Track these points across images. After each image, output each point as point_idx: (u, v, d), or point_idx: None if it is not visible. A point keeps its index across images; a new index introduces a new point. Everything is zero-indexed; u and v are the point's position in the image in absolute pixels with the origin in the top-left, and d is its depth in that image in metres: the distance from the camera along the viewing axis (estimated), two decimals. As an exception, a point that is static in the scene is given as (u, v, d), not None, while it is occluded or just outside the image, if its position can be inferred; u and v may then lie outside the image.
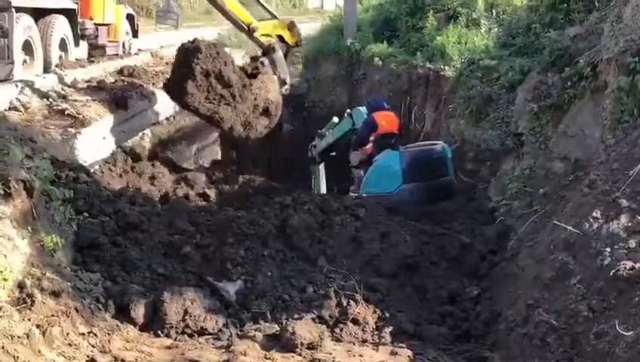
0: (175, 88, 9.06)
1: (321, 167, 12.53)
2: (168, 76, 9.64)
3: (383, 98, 11.23)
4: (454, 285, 6.51)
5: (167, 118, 10.81)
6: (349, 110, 11.80)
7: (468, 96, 10.02)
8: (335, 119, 11.95)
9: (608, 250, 4.87)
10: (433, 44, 14.11)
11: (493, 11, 14.27)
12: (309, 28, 24.43)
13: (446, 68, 12.68)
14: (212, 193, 9.42)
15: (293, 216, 6.99)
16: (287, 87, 9.97)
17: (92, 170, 7.31)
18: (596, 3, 8.64)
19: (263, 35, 10.43)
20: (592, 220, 5.25)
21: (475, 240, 7.32)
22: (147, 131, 10.02)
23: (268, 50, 10.25)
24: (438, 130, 11.89)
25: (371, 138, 10.09)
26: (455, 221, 8.13)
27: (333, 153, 12.06)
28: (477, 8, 14.58)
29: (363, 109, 10.82)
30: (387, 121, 10.23)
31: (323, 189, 12.33)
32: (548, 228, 6.10)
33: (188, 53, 9.05)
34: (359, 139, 10.36)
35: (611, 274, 4.62)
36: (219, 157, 12.78)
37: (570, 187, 6.79)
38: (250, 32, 10.30)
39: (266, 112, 9.68)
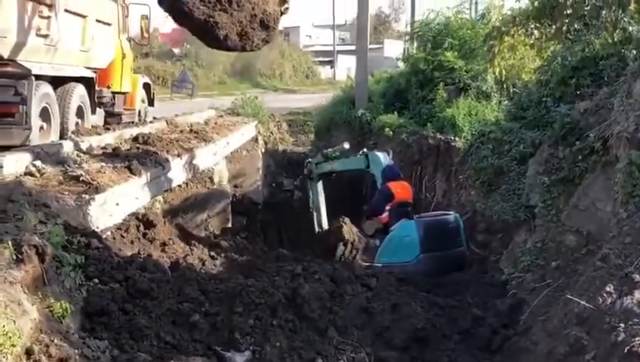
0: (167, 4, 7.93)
1: (320, 184, 12.62)
2: None
3: (397, 167, 11.32)
4: (466, 359, 6.39)
5: (179, 185, 10.89)
6: (365, 149, 11.86)
7: (479, 167, 10.08)
8: (346, 145, 12.08)
9: (622, 325, 4.79)
10: (444, 115, 14.33)
11: (503, 85, 14.49)
12: (321, 98, 24.89)
13: (457, 139, 12.83)
14: (222, 261, 9.41)
15: (303, 286, 6.94)
16: (287, 5, 8.97)
17: (104, 236, 7.32)
18: (606, 78, 8.77)
19: None
20: (605, 295, 5.18)
21: (488, 313, 7.23)
22: (159, 198, 10.08)
23: None
24: (449, 200, 11.93)
25: (387, 207, 10.10)
26: (467, 293, 8.05)
27: (334, 174, 12.35)
28: (487, 81, 14.82)
29: (382, 157, 10.81)
30: (402, 190, 10.30)
31: (323, 208, 12.52)
32: (561, 303, 6.02)
33: None
34: (375, 208, 10.34)
35: (626, 350, 4.53)
36: (229, 224, 12.81)
37: (582, 261, 6.74)
38: None
39: (263, 24, 8.52)
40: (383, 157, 10.82)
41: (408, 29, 24.89)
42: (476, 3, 21.40)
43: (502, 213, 9.09)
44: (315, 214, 12.57)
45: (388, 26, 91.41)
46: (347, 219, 10.59)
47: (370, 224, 10.44)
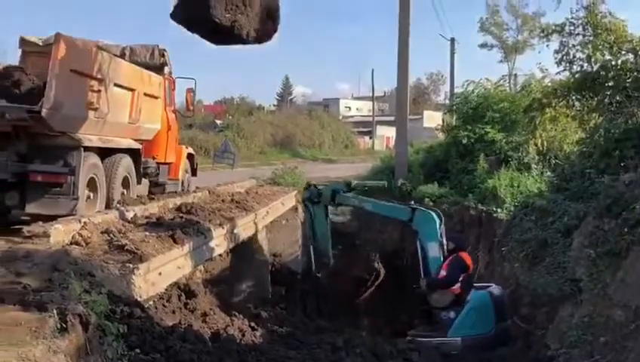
0: (192, 7, 8.35)
1: (325, 212, 11.53)
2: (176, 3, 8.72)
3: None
4: None
5: (219, 255, 10.94)
6: (413, 202, 11.37)
7: (522, 239, 9.96)
8: (384, 184, 11.72)
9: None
10: (485, 186, 14.28)
11: (545, 156, 14.44)
12: (360, 168, 25.07)
13: (498, 210, 12.71)
14: (262, 332, 9.34)
15: (344, 360, 6.84)
16: None
17: (147, 306, 7.36)
18: (650, 149, 8.70)
19: None
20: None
21: (535, 390, 7.01)
22: (200, 267, 10.13)
23: None
24: (492, 272, 11.73)
25: (460, 278, 9.90)
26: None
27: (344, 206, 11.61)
28: (528, 153, 14.79)
29: (436, 217, 10.30)
30: (470, 260, 10.17)
31: (329, 238, 11.38)
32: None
33: None
34: (450, 280, 9.88)
35: None
36: (269, 294, 12.76)
37: (632, 336, 6.53)
38: None
39: (270, 17, 9.05)
40: (438, 219, 10.33)
41: (447, 101, 25.15)
42: (515, 75, 21.60)
43: (547, 286, 8.91)
44: (317, 245, 11.41)
45: (427, 97, 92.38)
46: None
47: (442, 295, 9.90)
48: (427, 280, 9.99)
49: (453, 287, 9.83)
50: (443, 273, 9.98)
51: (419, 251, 10.35)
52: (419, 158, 19.24)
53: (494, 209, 13.01)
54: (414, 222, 10.39)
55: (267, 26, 9.05)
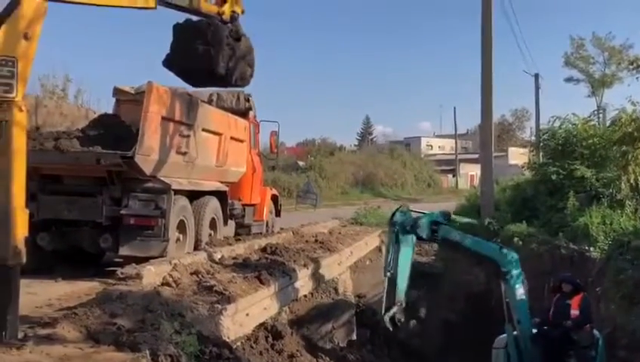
0: (199, 64, 9.27)
1: (413, 244, 10.15)
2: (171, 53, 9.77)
3: None
4: None
5: (304, 295, 10.98)
6: (500, 245, 10.83)
7: (618, 280, 9.55)
8: (476, 222, 11.26)
9: None
10: (575, 224, 13.79)
11: (639, 192, 13.87)
12: (444, 207, 24.67)
13: (591, 249, 12.25)
14: (349, 374, 9.23)
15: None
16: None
17: (235, 347, 7.44)
18: None
19: None
20: None
21: None
22: (286, 308, 10.18)
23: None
24: (587, 313, 11.24)
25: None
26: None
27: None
28: (621, 189, 14.23)
29: (517, 267, 9.92)
30: None
31: (407, 277, 9.76)
32: None
33: (201, 30, 9.37)
34: (587, 319, 9.70)
35: None
36: (354, 336, 12.64)
37: None
38: None
39: (250, 65, 9.94)
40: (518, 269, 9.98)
41: (533, 138, 24.63)
42: (604, 110, 20.97)
43: (647, 329, 8.47)
44: (394, 277, 9.70)
45: (511, 134, 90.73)
46: None
47: (587, 335, 9.57)
48: (574, 321, 9.61)
49: (587, 327, 9.59)
50: (576, 312, 9.64)
51: (504, 293, 10.03)
52: (505, 196, 18.85)
53: (586, 248, 12.54)
54: (504, 262, 10.02)
55: (247, 70, 9.99)
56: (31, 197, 7.41)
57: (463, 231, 11.01)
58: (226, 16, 9.67)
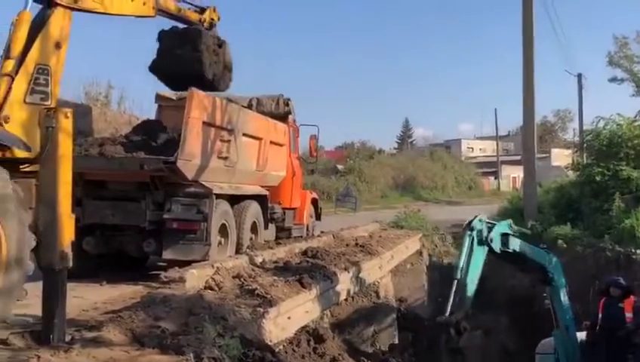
0: (187, 69, 10.28)
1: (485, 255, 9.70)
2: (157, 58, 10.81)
3: None
4: None
5: (345, 299, 10.95)
6: (547, 250, 10.60)
7: (668, 282, 9.30)
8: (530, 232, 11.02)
9: None
10: (621, 226, 13.52)
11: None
12: (486, 209, 24.41)
13: (637, 251, 12.00)
14: (390, 378, 9.17)
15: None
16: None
17: (277, 350, 7.45)
18: None
19: None
20: None
21: None
22: (327, 312, 10.17)
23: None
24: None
25: None
26: None
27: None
28: (669, 190, 13.90)
29: (560, 271, 9.95)
30: None
31: (475, 286, 9.35)
32: None
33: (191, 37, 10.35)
34: None
35: None
36: (395, 340, 12.56)
37: None
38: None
39: (228, 69, 11.25)
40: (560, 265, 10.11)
41: (576, 139, 24.20)
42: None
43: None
44: (464, 283, 9.29)
45: (554, 135, 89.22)
46: None
47: None
48: (634, 324, 9.59)
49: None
50: (630, 315, 9.64)
51: (549, 297, 10.02)
52: (549, 198, 18.53)
53: (633, 250, 12.28)
54: (549, 269, 10.06)
55: (228, 76, 11.26)
56: (76, 203, 7.52)
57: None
58: (207, 24, 10.65)
